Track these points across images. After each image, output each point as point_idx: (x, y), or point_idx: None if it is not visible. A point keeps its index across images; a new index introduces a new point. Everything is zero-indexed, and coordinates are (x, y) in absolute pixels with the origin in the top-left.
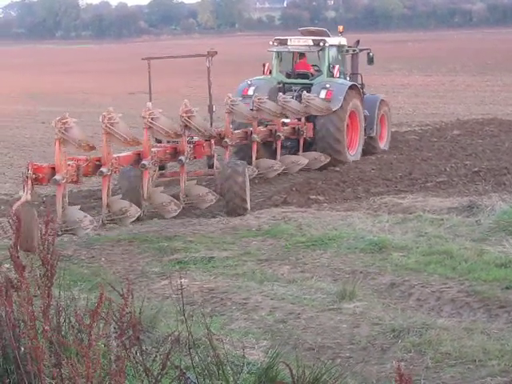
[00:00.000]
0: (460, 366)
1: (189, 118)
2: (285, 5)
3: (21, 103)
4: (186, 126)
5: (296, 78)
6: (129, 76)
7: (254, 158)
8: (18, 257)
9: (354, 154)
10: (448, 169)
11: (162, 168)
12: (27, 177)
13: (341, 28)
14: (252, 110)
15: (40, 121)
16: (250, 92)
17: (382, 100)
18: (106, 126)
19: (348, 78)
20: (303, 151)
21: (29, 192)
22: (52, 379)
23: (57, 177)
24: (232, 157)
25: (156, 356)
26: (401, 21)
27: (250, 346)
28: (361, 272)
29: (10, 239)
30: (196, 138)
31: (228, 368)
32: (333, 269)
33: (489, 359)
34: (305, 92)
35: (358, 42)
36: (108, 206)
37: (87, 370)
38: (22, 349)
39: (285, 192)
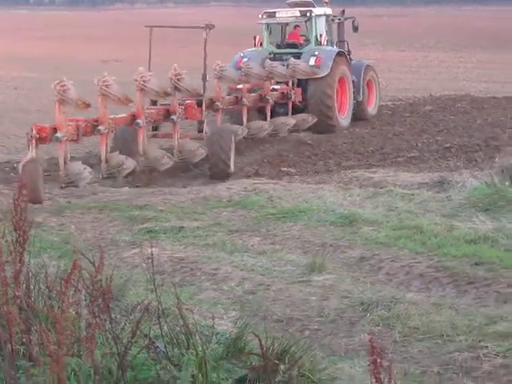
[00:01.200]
0: (428, 341)
1: (178, 80)
2: None
3: None
4: (176, 87)
5: (286, 48)
6: (102, 44)
7: (244, 121)
8: None
9: (344, 117)
10: (419, 144)
11: (155, 129)
12: (31, 136)
13: None
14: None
15: (12, 87)
16: (244, 62)
17: (368, 65)
18: (102, 88)
19: (335, 46)
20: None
21: (34, 150)
22: (21, 345)
23: (58, 134)
24: (225, 121)
25: (125, 324)
26: None
27: (218, 316)
28: (331, 245)
29: None
30: (189, 101)
31: (197, 338)
32: (303, 241)
33: (457, 334)
34: (291, 58)
35: (343, 11)
36: (107, 161)
37: (59, 336)
38: None
39: (256, 164)
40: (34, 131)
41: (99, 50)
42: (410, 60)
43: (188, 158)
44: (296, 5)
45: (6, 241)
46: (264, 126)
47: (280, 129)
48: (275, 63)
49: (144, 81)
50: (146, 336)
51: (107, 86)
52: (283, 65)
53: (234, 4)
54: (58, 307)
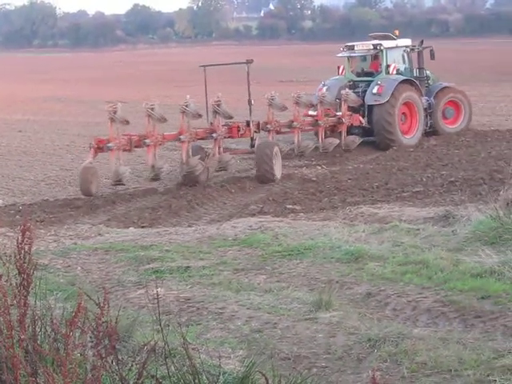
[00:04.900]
0: (436, 376)
1: (218, 105)
2: (262, 14)
3: None
4: (215, 111)
5: (363, 77)
6: (106, 84)
7: (296, 141)
8: None
9: (410, 137)
10: (424, 179)
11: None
12: (91, 147)
13: (397, 32)
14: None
15: (17, 129)
16: (324, 90)
17: (445, 87)
18: (147, 110)
19: (416, 72)
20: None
21: (91, 157)
22: None
23: (109, 144)
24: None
25: (132, 365)
26: (378, 31)
27: (225, 355)
28: (337, 282)
29: None
30: (235, 123)
31: (204, 377)
32: (309, 278)
33: (464, 369)
34: (346, 89)
35: (421, 41)
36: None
37: (64, 379)
38: None
39: (261, 201)
40: (93, 143)
41: (103, 91)
42: None
43: (224, 167)
44: (379, 37)
45: (11, 284)
46: (309, 144)
47: (327, 147)
48: (326, 93)
49: (186, 106)
50: (152, 377)
51: (152, 108)
52: (359, 91)
53: (236, 43)
54: (64, 349)
